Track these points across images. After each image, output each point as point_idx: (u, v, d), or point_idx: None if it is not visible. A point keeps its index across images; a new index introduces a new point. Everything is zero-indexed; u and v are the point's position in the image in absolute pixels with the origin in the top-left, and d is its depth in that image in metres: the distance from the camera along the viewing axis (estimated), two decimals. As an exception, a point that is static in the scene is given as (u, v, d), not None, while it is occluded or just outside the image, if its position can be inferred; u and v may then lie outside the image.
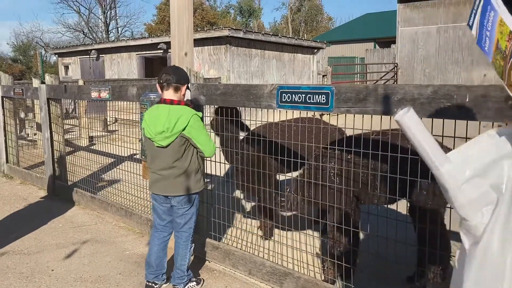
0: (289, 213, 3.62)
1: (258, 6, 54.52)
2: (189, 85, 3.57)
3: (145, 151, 3.37)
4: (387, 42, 27.47)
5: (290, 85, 3.17)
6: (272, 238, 4.47)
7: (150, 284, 3.44)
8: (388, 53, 21.22)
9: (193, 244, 3.48)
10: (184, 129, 3.13)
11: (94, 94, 5.15)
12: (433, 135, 2.55)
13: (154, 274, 3.40)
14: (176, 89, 3.21)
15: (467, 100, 2.30)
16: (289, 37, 16.28)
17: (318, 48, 17.22)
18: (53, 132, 6.18)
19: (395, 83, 19.78)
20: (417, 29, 19.57)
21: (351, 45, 32.21)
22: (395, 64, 20.28)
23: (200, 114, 3.27)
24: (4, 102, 7.39)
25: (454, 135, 2.42)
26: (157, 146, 3.16)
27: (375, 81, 20.09)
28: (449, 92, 2.36)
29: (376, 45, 30.55)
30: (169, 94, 3.21)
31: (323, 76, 15.70)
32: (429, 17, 19.26)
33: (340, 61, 23.77)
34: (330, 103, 2.91)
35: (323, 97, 2.94)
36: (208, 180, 4.11)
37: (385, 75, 20.62)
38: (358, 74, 21.88)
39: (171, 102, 3.18)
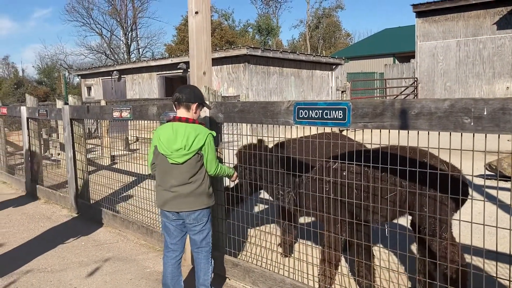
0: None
1: (276, 25, 55.08)
2: (207, 103, 3.63)
3: (154, 168, 3.38)
4: (406, 56, 27.39)
5: (307, 101, 3.20)
6: (293, 255, 4.45)
7: None
8: (408, 67, 21.13)
9: (213, 260, 3.49)
10: (201, 148, 3.19)
11: (115, 114, 5.26)
12: (452, 149, 2.55)
13: None
14: (187, 108, 3.29)
15: (485, 113, 2.29)
16: (307, 54, 16.40)
17: (337, 64, 17.27)
18: (76, 152, 6.32)
19: (416, 97, 19.64)
20: (436, 43, 19.47)
21: (370, 61, 32.20)
22: (415, 79, 20.15)
23: (214, 133, 3.33)
24: (29, 123, 7.60)
25: (473, 148, 2.40)
26: (172, 163, 3.20)
27: (395, 96, 19.98)
28: (467, 105, 2.35)
29: (396, 60, 30.46)
30: (181, 112, 3.29)
31: (342, 92, 15.71)
32: (448, 31, 19.17)
33: (359, 76, 23.75)
34: (347, 118, 2.91)
35: (340, 112, 2.95)
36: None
37: (405, 89, 20.50)
38: (378, 90, 21.80)
39: (187, 120, 3.25)
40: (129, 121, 7.82)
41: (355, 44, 43.38)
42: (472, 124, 2.34)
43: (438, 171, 2.85)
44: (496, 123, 2.26)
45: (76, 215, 6.36)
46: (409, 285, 3.67)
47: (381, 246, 4.31)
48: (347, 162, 3.36)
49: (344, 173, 3.30)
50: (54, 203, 7.07)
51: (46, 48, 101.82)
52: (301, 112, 3.19)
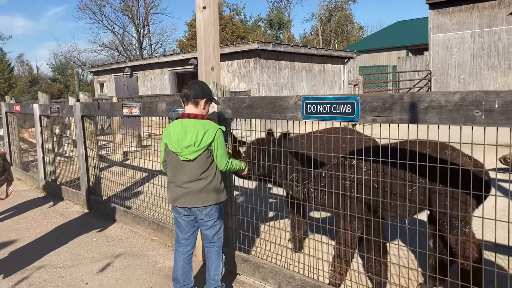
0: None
1: (288, 19, 54.81)
2: (216, 98, 3.61)
3: (166, 166, 3.38)
4: (420, 49, 27.06)
5: (315, 96, 3.16)
6: (303, 250, 4.43)
7: None
8: (421, 60, 20.86)
9: (224, 255, 3.49)
10: (211, 144, 3.19)
11: (125, 111, 5.27)
12: (463, 143, 2.50)
13: None
14: (195, 103, 3.27)
15: (496, 106, 2.24)
16: (319, 47, 16.26)
17: (349, 58, 17.12)
18: (88, 148, 6.35)
19: (429, 90, 19.41)
20: (450, 35, 19.17)
21: (383, 54, 31.88)
22: (428, 72, 19.90)
23: (223, 128, 3.32)
24: (42, 120, 7.66)
25: (484, 142, 2.35)
26: (183, 160, 3.20)
27: (408, 89, 19.77)
28: (478, 98, 2.30)
29: (409, 52, 30.13)
30: (190, 108, 3.28)
31: (355, 85, 15.59)
32: (462, 22, 18.86)
33: (372, 70, 23.53)
34: (356, 113, 2.87)
35: (349, 107, 2.91)
36: (238, 193, 4.13)
37: (418, 82, 20.25)
38: (391, 83, 21.59)
39: (195, 116, 3.24)
40: (141, 118, 7.86)
41: (367, 37, 43.00)
42: (483, 117, 2.29)
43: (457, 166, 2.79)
44: (508, 116, 2.20)
45: (88, 211, 6.41)
46: (421, 281, 3.62)
47: (400, 242, 4.26)
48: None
49: (365, 169, 3.25)
50: (67, 200, 7.13)
51: (60, 45, 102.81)
52: (309, 106, 3.15)
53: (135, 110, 5.11)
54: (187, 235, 3.41)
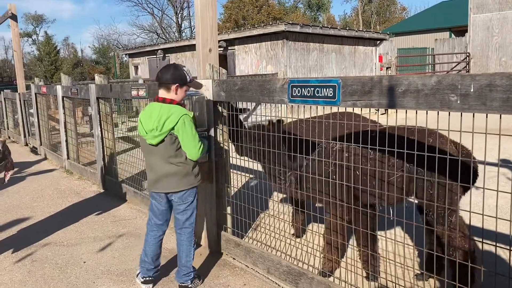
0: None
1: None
2: (190, 83, 3.43)
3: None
4: (463, 31, 25.93)
5: (301, 79, 3.05)
6: (304, 236, 4.37)
7: (148, 278, 3.47)
8: (460, 42, 19.96)
9: (195, 239, 3.46)
10: (173, 128, 3.11)
11: (134, 93, 5.31)
12: (440, 129, 2.36)
13: (153, 271, 3.47)
14: (167, 88, 3.20)
15: (472, 90, 2.08)
16: (349, 29, 15.80)
17: (381, 40, 16.59)
18: (104, 130, 6.46)
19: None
20: (491, 15, 18.20)
21: (425, 35, 30.67)
22: (467, 54, 19.03)
23: (191, 114, 3.21)
24: (64, 102, 7.84)
25: (460, 129, 2.20)
26: (149, 144, 3.18)
27: (445, 72, 19.03)
28: (454, 82, 2.15)
29: (452, 34, 28.91)
30: (162, 93, 3.24)
31: (387, 68, 15.14)
32: (505, 1, 17.83)
33: (411, 52, 22.74)
34: (337, 96, 2.76)
35: (331, 90, 2.79)
36: (237, 177, 4.09)
37: (456, 65, 19.43)
38: (430, 65, 20.83)
39: (163, 100, 3.19)
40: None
41: (409, 18, 41.53)
42: (458, 102, 2.14)
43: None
44: (483, 101, 2.05)
45: (103, 191, 6.55)
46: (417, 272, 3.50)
47: (396, 232, 4.13)
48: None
49: (346, 154, 3.16)
50: (86, 179, 7.32)
51: (101, 29, 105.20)
52: (295, 90, 3.05)
53: (142, 92, 5.14)
54: (161, 222, 3.41)
